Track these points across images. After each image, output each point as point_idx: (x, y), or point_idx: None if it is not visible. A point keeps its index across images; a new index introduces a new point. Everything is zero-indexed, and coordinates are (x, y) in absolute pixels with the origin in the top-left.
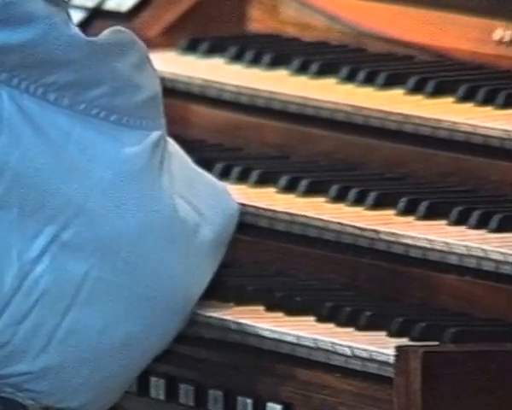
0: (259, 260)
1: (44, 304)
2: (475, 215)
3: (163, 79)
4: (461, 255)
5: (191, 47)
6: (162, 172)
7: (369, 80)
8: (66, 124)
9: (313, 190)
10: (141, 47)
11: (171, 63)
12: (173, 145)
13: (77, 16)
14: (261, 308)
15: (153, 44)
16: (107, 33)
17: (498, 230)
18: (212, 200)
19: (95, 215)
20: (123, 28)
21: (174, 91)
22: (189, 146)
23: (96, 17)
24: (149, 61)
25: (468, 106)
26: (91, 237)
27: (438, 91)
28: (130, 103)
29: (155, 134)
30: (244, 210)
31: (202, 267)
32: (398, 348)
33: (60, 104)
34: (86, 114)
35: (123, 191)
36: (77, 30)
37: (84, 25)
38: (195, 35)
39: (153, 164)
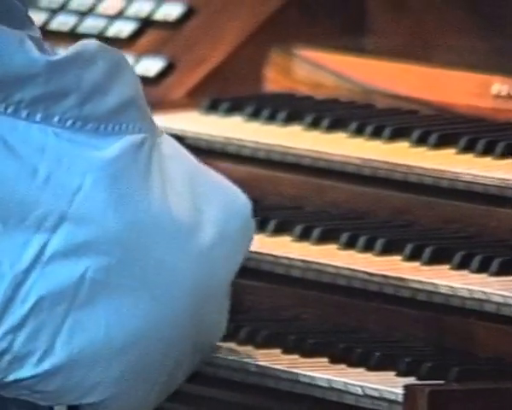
0: (276, 305)
1: (41, 310)
2: (477, 260)
3: (187, 138)
4: (464, 298)
5: (212, 107)
6: (150, 172)
7: (376, 134)
8: (39, 139)
9: (326, 238)
10: (112, 54)
11: (195, 123)
12: (172, 146)
13: None
14: (278, 351)
15: (178, 106)
16: (73, 47)
17: (499, 273)
18: (216, 199)
19: (80, 220)
20: (92, 41)
21: (197, 149)
22: None
23: None
24: (125, 66)
25: (469, 157)
26: (81, 241)
27: (440, 143)
28: (102, 110)
29: (137, 136)
30: (262, 258)
31: (209, 264)
32: (406, 387)
33: (33, 120)
34: (61, 127)
35: (106, 194)
36: (34, 48)
37: None
38: (216, 96)
39: (137, 165)
